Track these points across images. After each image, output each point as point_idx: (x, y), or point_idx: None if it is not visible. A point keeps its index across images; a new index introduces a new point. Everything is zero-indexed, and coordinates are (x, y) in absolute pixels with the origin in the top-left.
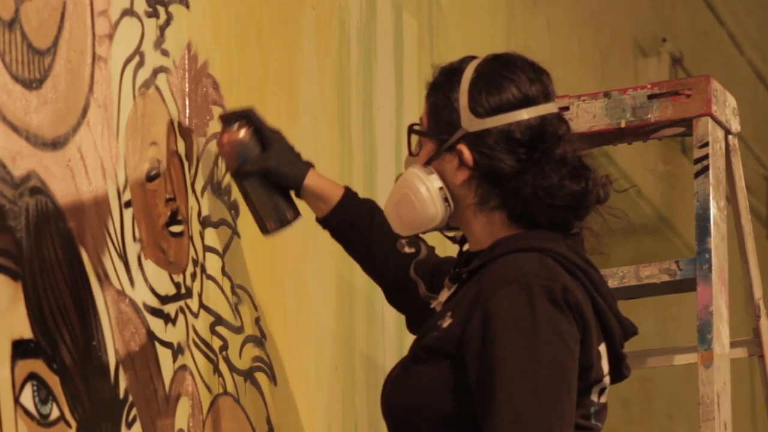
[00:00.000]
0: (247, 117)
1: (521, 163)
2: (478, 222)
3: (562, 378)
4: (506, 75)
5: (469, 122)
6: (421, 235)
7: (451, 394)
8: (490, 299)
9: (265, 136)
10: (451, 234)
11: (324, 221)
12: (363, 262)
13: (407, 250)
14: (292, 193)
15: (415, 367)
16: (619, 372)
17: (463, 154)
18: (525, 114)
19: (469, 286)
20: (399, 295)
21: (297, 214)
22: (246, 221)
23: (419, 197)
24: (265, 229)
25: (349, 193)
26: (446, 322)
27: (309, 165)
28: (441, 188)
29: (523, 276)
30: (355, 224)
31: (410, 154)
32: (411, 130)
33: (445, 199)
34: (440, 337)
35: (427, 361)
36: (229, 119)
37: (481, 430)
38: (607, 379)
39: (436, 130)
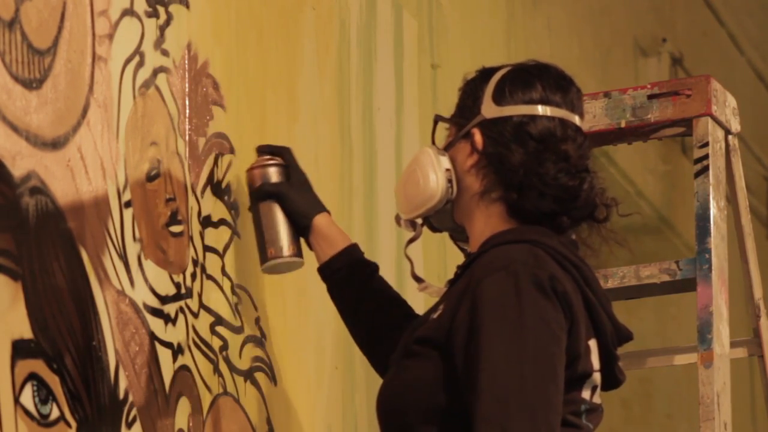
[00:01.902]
0: (280, 153)
1: (529, 156)
2: (480, 213)
3: (547, 364)
4: (536, 74)
5: (488, 109)
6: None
7: (442, 387)
8: (478, 286)
9: (292, 173)
10: (463, 246)
11: (326, 266)
12: (350, 321)
13: (404, 227)
14: (302, 242)
15: (407, 362)
16: (612, 374)
17: (475, 136)
18: (543, 110)
19: (462, 279)
20: (375, 355)
21: (300, 254)
22: (246, 221)
23: (424, 172)
24: (264, 257)
25: (356, 246)
26: (437, 313)
27: (325, 208)
28: (448, 170)
29: (510, 264)
30: (354, 275)
31: (433, 144)
32: (436, 118)
33: (449, 181)
34: (431, 327)
35: (419, 354)
36: (264, 151)
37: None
38: (597, 376)
39: (458, 116)
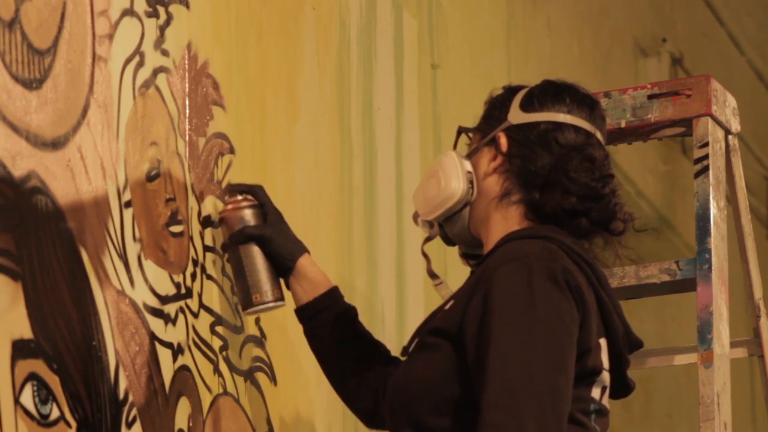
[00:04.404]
0: (253, 192)
1: (554, 158)
2: (498, 215)
3: (557, 354)
4: (564, 89)
5: (516, 116)
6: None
7: (454, 377)
8: (492, 276)
9: (268, 212)
10: (474, 264)
11: (307, 307)
12: (328, 364)
13: (421, 226)
14: (282, 283)
15: (419, 354)
16: (623, 379)
17: (500, 139)
18: (570, 120)
19: (475, 273)
20: (353, 398)
21: (282, 298)
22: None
23: (446, 173)
24: (249, 303)
25: (337, 289)
26: (449, 304)
27: (306, 249)
28: (469, 172)
29: (525, 256)
30: (337, 319)
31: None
32: (460, 129)
33: (470, 183)
34: (444, 318)
35: (432, 345)
36: (235, 191)
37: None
38: (606, 376)
39: (484, 126)
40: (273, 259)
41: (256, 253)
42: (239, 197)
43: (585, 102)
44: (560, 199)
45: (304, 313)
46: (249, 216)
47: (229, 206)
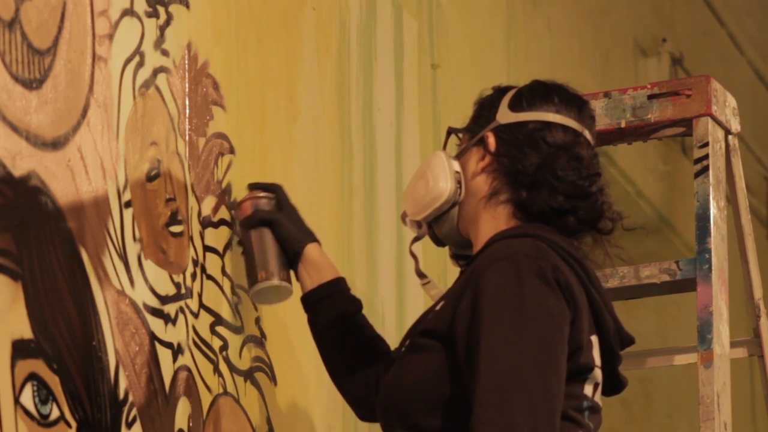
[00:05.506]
0: (273, 190)
1: (542, 158)
2: (486, 215)
3: (548, 351)
4: (553, 89)
5: (504, 115)
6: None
7: (446, 377)
8: (481, 276)
9: (283, 204)
10: (464, 265)
11: (312, 293)
12: (328, 351)
13: (409, 226)
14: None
15: (411, 355)
16: (615, 376)
17: (488, 139)
18: (558, 120)
19: (465, 273)
20: (348, 387)
21: (290, 281)
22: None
23: (434, 173)
24: (254, 280)
25: (344, 279)
26: (440, 305)
27: (316, 239)
28: (458, 172)
29: (513, 254)
30: (340, 306)
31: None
32: (450, 130)
33: (458, 182)
34: (434, 318)
35: (423, 347)
36: (256, 187)
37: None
38: (599, 373)
39: (473, 126)
40: (282, 244)
41: (266, 235)
42: (259, 192)
43: (573, 102)
44: (547, 198)
45: (309, 298)
46: (263, 204)
47: (247, 197)
